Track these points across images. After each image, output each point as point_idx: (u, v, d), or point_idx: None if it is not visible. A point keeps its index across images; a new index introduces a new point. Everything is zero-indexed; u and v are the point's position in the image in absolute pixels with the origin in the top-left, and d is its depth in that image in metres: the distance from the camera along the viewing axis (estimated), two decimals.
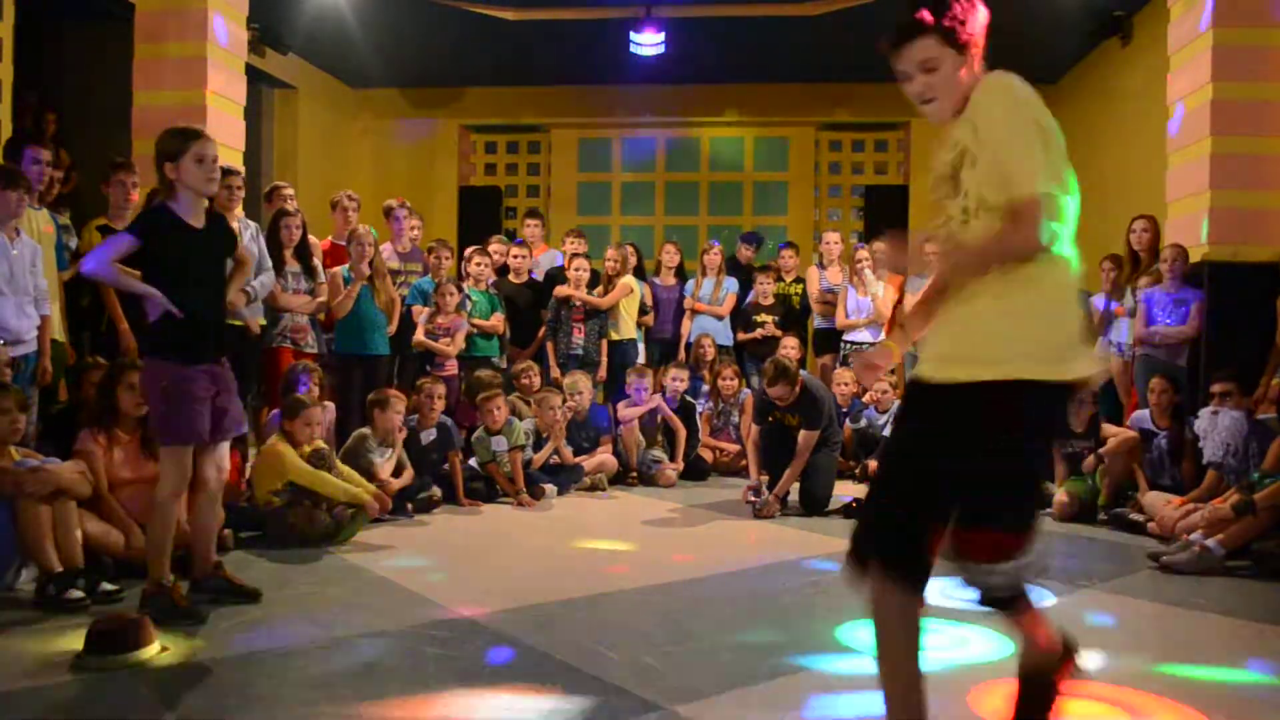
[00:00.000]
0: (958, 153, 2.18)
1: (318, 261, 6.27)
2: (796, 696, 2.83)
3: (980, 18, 2.28)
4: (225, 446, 3.72)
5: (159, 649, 3.06)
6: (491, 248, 7.80)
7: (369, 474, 5.24)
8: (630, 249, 7.93)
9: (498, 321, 7.17)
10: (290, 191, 6.69)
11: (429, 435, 5.87)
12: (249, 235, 5.54)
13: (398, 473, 5.53)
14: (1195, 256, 6.18)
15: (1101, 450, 5.85)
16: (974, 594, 2.18)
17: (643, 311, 7.85)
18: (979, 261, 2.11)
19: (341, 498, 4.82)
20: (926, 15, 2.24)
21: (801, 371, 6.24)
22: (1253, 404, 5.39)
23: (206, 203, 3.66)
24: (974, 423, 2.03)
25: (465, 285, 7.07)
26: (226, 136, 6.60)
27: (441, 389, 6.02)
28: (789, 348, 7.37)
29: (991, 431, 2.03)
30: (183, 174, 3.47)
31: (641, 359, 7.75)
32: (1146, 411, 5.85)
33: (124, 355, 5.04)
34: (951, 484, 2.04)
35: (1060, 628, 2.27)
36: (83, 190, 6.92)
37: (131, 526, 4.03)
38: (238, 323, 5.33)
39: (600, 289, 7.56)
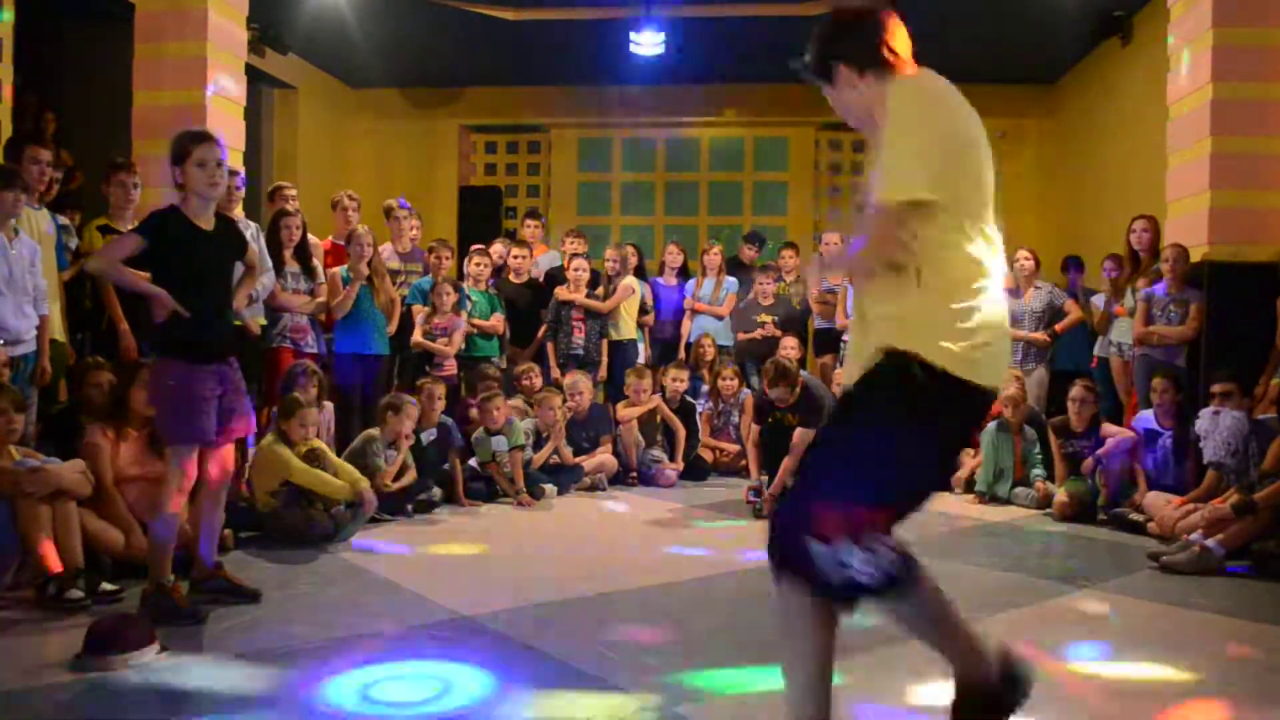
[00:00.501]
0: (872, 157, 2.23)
1: (317, 262, 6.27)
2: None
3: (883, 31, 2.29)
4: (230, 447, 3.72)
5: (159, 650, 3.05)
6: (493, 249, 7.81)
7: (372, 476, 5.22)
8: (630, 249, 7.93)
9: (498, 322, 7.18)
10: (293, 192, 6.68)
11: (429, 435, 5.87)
12: (249, 235, 5.53)
13: (401, 474, 5.53)
14: (1195, 256, 6.18)
15: (1099, 451, 5.86)
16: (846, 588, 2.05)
17: (643, 311, 7.86)
18: (856, 261, 2.20)
19: (338, 496, 4.82)
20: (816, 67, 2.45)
21: (802, 372, 6.24)
22: (1253, 404, 5.39)
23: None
24: (865, 394, 2.12)
25: (465, 285, 7.07)
26: (226, 136, 6.59)
27: (441, 389, 6.03)
28: (789, 348, 7.37)
29: (876, 399, 2.09)
30: (190, 177, 3.51)
31: (642, 358, 7.75)
32: (1150, 412, 5.84)
33: (124, 355, 5.04)
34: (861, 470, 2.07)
35: (1007, 656, 2.19)
36: (84, 190, 6.93)
37: (132, 526, 4.04)
38: (237, 323, 5.32)
39: (600, 289, 7.56)
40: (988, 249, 2.14)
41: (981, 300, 2.10)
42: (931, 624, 2.20)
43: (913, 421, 2.07)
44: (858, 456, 2.09)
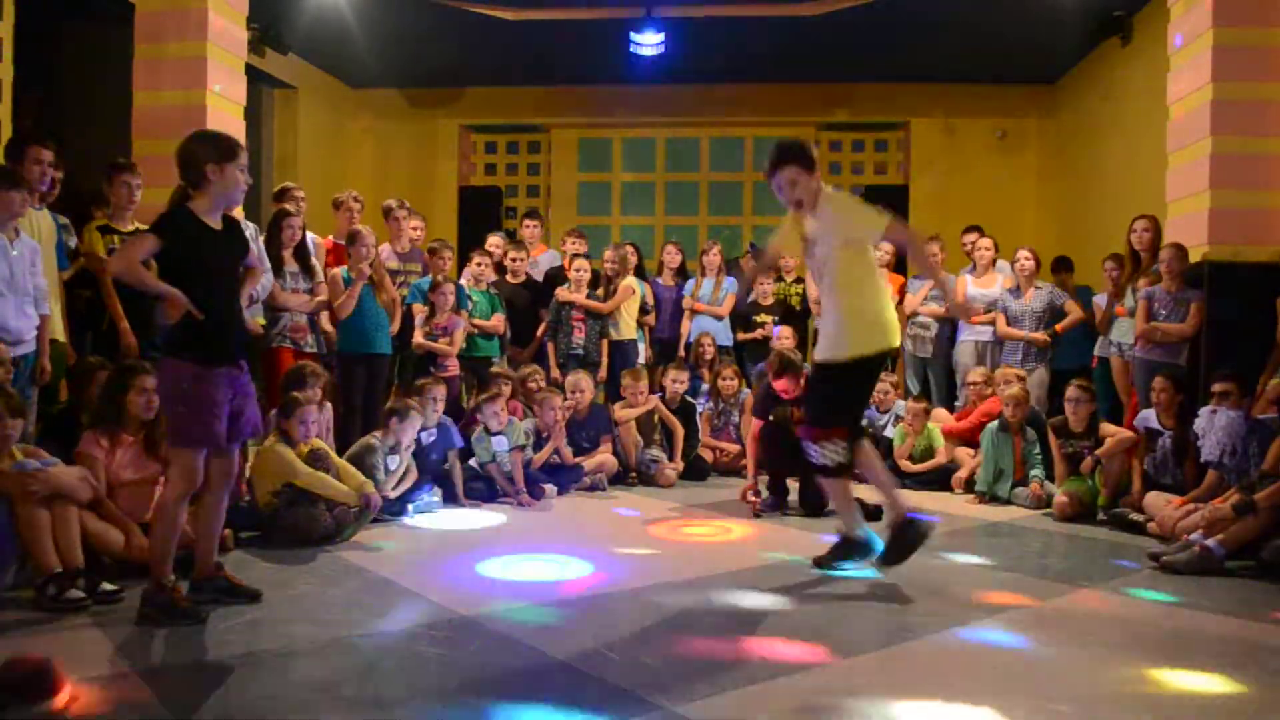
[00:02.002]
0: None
1: (316, 261, 6.27)
2: (797, 696, 2.83)
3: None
4: (236, 449, 3.72)
5: (68, 699, 2.69)
6: (491, 242, 7.81)
7: (375, 482, 5.21)
8: (630, 249, 7.94)
9: (498, 321, 7.18)
10: (301, 194, 6.68)
11: (429, 435, 5.87)
12: (249, 236, 5.53)
13: (402, 479, 5.54)
14: (1195, 256, 6.18)
15: (1098, 451, 5.86)
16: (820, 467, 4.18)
17: (644, 311, 7.86)
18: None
19: (340, 498, 4.82)
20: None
21: (805, 365, 6.24)
22: (1252, 404, 5.39)
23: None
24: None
25: (465, 285, 7.08)
26: None
27: (442, 390, 6.03)
28: (785, 337, 7.38)
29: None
30: (226, 178, 3.50)
31: (643, 358, 7.75)
32: (1152, 411, 5.84)
33: (125, 355, 5.04)
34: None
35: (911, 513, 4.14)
36: (84, 190, 6.92)
37: (131, 527, 4.03)
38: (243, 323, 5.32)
39: (601, 290, 7.57)
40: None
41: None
42: (873, 476, 4.37)
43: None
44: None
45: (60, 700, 2.67)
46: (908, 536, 4.12)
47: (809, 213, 4.14)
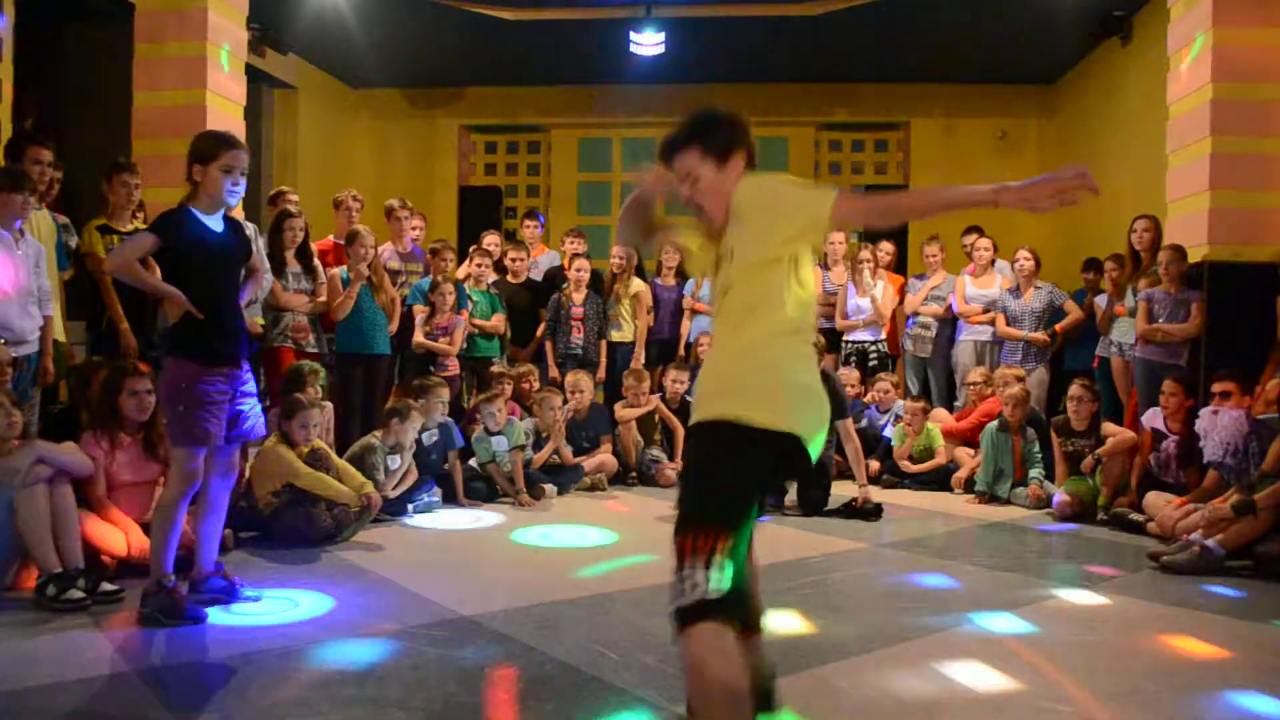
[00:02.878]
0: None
1: (318, 262, 6.27)
2: (796, 696, 2.83)
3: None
4: (236, 450, 3.72)
5: None
6: (487, 241, 7.80)
7: (375, 482, 5.21)
8: (634, 250, 7.93)
9: (498, 321, 7.18)
10: (294, 196, 6.69)
11: (430, 435, 5.87)
12: (250, 237, 5.53)
13: (403, 479, 5.54)
14: (1195, 256, 6.18)
15: (1100, 450, 5.86)
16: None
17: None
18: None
19: (341, 499, 4.82)
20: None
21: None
22: (1253, 403, 5.38)
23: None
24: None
25: (465, 285, 7.08)
26: None
27: (447, 392, 6.02)
28: None
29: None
30: (208, 179, 3.49)
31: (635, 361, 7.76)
32: (1158, 411, 5.81)
33: (124, 354, 5.04)
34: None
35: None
36: (84, 190, 6.92)
37: (131, 526, 4.04)
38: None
39: (607, 287, 7.57)
40: None
41: None
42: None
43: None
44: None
45: None
46: None
47: (716, 221, 2.46)
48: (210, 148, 3.51)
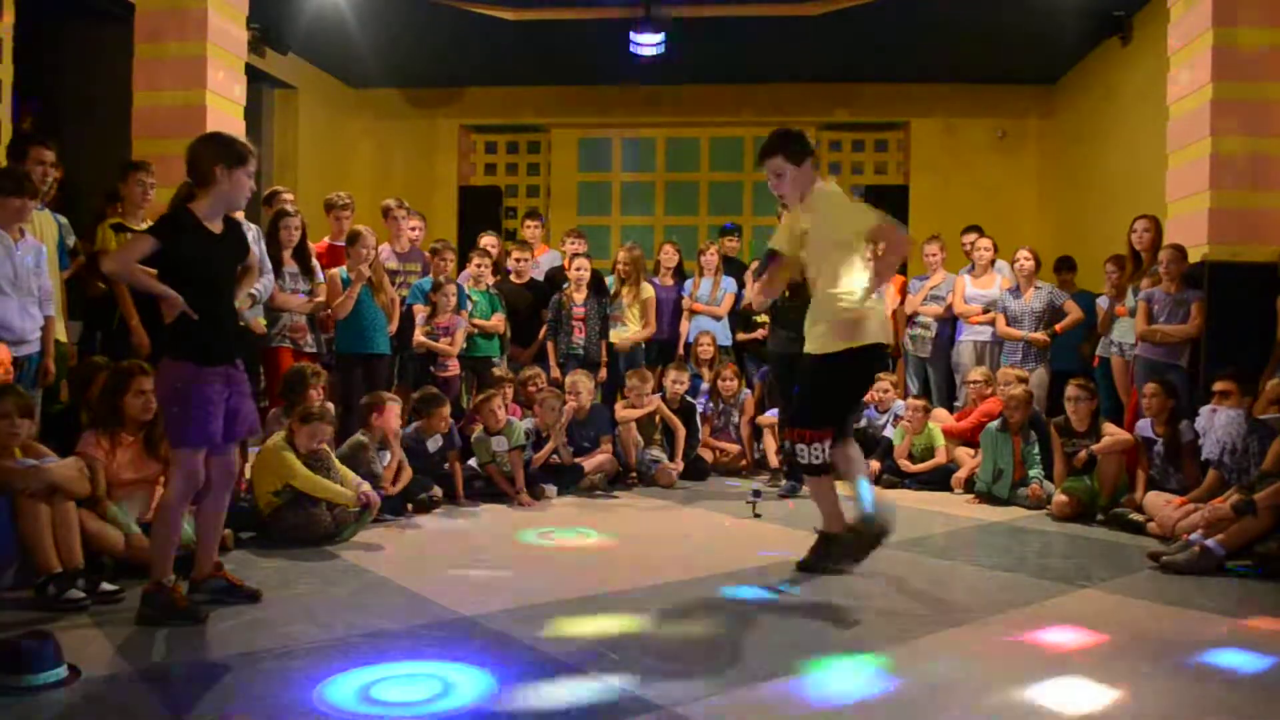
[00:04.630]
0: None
1: (315, 262, 6.26)
2: (796, 696, 2.83)
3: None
4: (235, 449, 3.72)
5: (65, 672, 2.82)
6: (485, 242, 7.80)
7: (373, 479, 5.21)
8: (639, 251, 7.91)
9: (499, 321, 7.18)
10: (289, 196, 6.68)
11: (435, 443, 5.88)
12: (250, 238, 5.53)
13: (398, 474, 5.53)
14: (1195, 256, 6.18)
15: (1094, 447, 5.83)
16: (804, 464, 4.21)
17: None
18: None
19: (342, 502, 4.82)
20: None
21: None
22: (1253, 403, 5.38)
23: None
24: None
25: (465, 285, 7.07)
26: None
27: (446, 410, 5.99)
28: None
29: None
30: (234, 182, 3.50)
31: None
32: (1149, 420, 5.82)
33: (136, 353, 5.04)
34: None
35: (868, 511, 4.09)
36: (84, 190, 6.93)
37: (131, 526, 4.03)
38: (241, 324, 5.32)
39: (615, 289, 7.58)
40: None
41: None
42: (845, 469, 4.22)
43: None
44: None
45: (53, 675, 2.77)
46: (866, 535, 4.11)
47: (799, 207, 4.16)
48: (242, 151, 3.52)
